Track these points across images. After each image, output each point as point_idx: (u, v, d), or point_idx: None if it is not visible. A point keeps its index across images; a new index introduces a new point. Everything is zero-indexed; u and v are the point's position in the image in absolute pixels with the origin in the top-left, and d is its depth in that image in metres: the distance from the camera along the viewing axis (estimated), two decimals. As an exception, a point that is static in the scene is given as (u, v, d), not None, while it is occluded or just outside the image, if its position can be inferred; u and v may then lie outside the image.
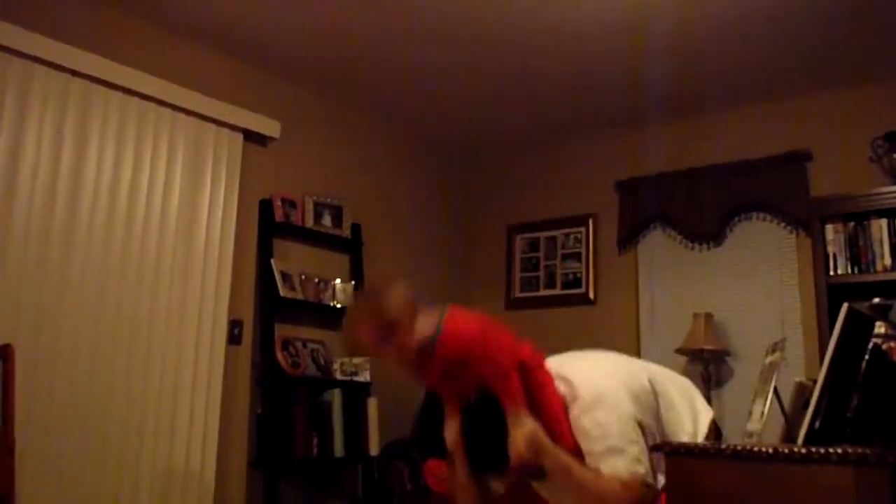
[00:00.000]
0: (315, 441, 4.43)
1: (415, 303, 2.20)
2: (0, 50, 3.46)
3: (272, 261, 4.47)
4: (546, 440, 2.08)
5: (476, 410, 2.18)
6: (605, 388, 2.22)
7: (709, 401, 4.56)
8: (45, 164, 3.58)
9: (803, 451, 2.02)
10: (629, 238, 5.27)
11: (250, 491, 4.28)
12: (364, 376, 4.64)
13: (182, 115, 4.12)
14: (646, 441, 2.17)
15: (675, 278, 5.11)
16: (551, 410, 2.16)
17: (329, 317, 4.79)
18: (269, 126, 4.54)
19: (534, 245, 5.74)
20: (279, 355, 4.36)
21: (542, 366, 2.26)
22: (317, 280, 4.68)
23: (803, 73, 4.48)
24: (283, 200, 4.62)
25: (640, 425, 2.18)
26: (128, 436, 3.72)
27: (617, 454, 2.11)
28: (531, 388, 2.15)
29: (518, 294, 5.69)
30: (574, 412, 2.18)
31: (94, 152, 3.76)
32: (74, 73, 3.70)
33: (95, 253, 3.71)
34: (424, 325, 2.18)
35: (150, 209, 3.94)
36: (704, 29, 4.00)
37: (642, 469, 2.10)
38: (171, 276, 3.97)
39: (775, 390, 2.51)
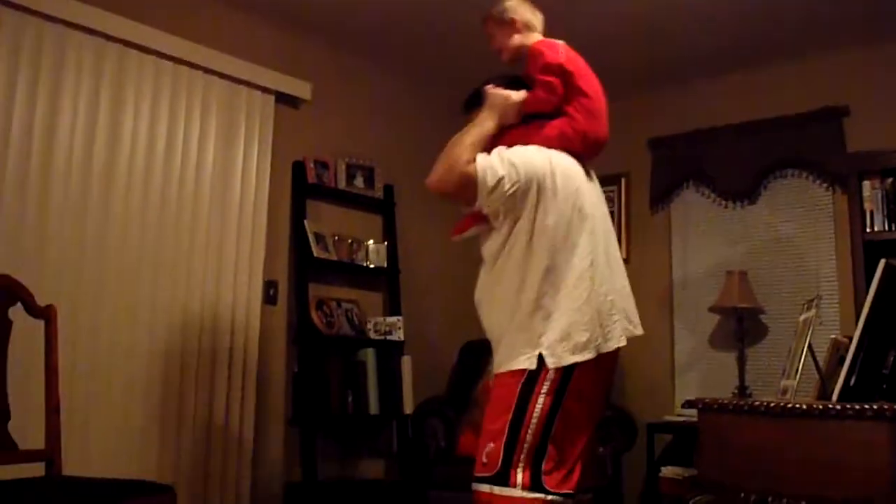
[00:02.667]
0: (350, 399, 4.50)
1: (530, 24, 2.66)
2: (35, 16, 3.50)
3: (305, 222, 4.51)
4: (502, 111, 2.41)
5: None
6: (558, 160, 2.36)
7: (743, 358, 4.59)
8: (81, 129, 3.63)
9: (838, 407, 2.03)
10: (662, 197, 5.23)
11: (288, 447, 4.37)
12: (398, 335, 4.69)
13: (215, 78, 4.14)
14: (521, 193, 2.25)
15: (708, 237, 5.07)
16: (552, 129, 2.42)
17: (363, 277, 4.84)
18: (300, 88, 4.55)
19: (566, 204, 5.71)
20: (314, 315, 4.42)
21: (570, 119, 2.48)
22: (350, 241, 4.71)
23: (840, 28, 4.38)
24: (316, 162, 4.64)
25: (539, 184, 2.26)
26: (169, 396, 3.81)
27: (495, 154, 2.28)
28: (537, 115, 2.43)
29: (550, 253, 5.68)
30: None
31: (130, 116, 3.80)
32: (108, 37, 3.73)
33: (133, 215, 3.77)
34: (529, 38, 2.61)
35: (184, 172, 3.98)
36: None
37: (488, 176, 2.23)
38: (206, 237, 4.03)
39: (810, 347, 2.51)
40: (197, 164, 4.04)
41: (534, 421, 2.13)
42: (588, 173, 2.46)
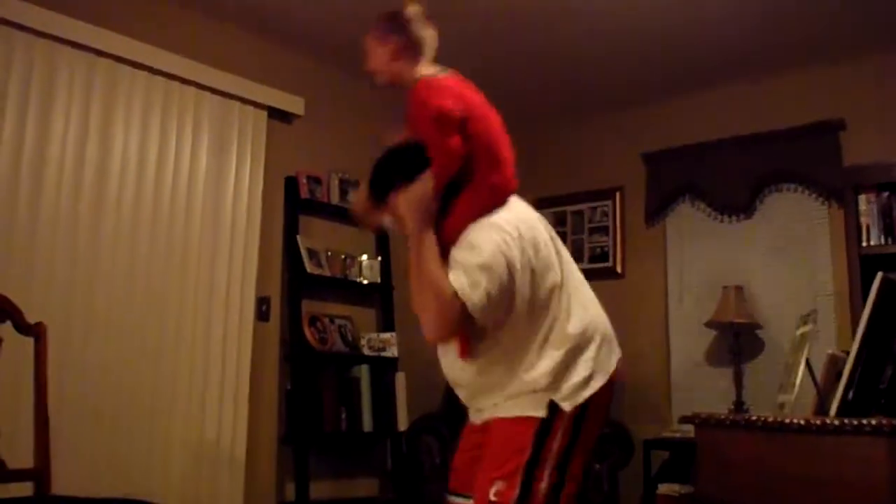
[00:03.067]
0: (344, 416, 4.47)
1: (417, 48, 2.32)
2: (26, 31, 3.49)
3: (298, 238, 4.49)
4: (426, 213, 2.06)
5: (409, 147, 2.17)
6: (512, 220, 2.11)
7: (739, 374, 4.56)
8: (72, 143, 3.61)
9: (836, 422, 2.00)
10: (657, 211, 5.22)
11: (280, 465, 4.33)
12: (392, 352, 4.66)
13: (207, 94, 4.13)
14: (507, 284, 2.01)
15: (704, 251, 5.06)
16: (464, 210, 2.10)
17: (356, 293, 4.81)
18: (293, 103, 4.54)
19: (561, 219, 5.70)
20: (307, 331, 4.39)
21: (495, 176, 2.18)
22: (343, 256, 4.69)
23: (835, 41, 4.39)
24: (309, 177, 4.62)
25: (515, 267, 2.02)
26: (159, 412, 3.77)
27: (469, 269, 1.99)
28: (468, 173, 2.12)
29: (545, 269, 5.66)
30: (477, 222, 2.09)
31: (121, 132, 3.78)
32: (99, 53, 3.72)
33: (124, 231, 3.74)
34: (428, 69, 2.28)
35: (176, 187, 3.96)
36: (733, -4, 3.94)
37: (476, 297, 1.96)
38: (198, 253, 4.00)
39: (807, 362, 2.48)
40: (189, 179, 4.02)
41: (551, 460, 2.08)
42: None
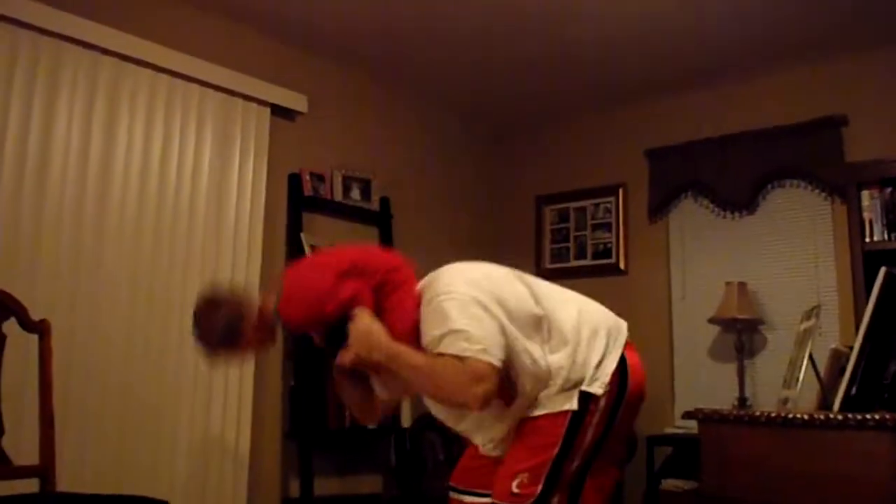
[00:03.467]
0: (347, 413, 4.47)
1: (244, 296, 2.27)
2: (30, 29, 3.49)
3: (302, 235, 4.49)
4: (379, 335, 2.04)
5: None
6: (451, 280, 2.12)
7: (742, 370, 4.56)
8: (76, 142, 3.62)
9: (839, 417, 2.01)
10: (660, 207, 5.22)
11: (284, 462, 4.34)
12: (395, 348, 4.65)
13: (210, 91, 4.13)
14: (502, 323, 2.04)
15: (707, 247, 5.05)
16: (400, 310, 2.11)
17: (359, 290, 4.80)
18: (296, 100, 4.55)
19: (563, 215, 5.70)
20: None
21: (395, 271, 2.18)
22: (347, 253, 4.68)
23: (838, 37, 4.38)
24: (312, 174, 4.63)
25: (485, 306, 2.03)
26: (163, 409, 3.77)
27: (452, 335, 1.98)
28: (381, 293, 2.13)
29: (548, 265, 5.67)
30: (422, 307, 2.10)
31: (125, 129, 3.79)
32: (104, 51, 3.72)
33: (127, 229, 3.75)
34: (268, 301, 2.22)
35: (180, 184, 3.97)
36: (736, -8, 3.93)
37: (480, 347, 1.96)
38: (202, 250, 4.01)
39: (811, 357, 2.49)
40: (192, 176, 4.02)
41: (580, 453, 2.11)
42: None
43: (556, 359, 2.13)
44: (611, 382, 2.14)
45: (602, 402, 2.11)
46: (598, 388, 2.11)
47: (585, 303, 2.34)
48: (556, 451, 2.06)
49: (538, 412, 2.13)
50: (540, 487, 2.03)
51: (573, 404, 2.09)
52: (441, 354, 1.99)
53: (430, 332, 2.04)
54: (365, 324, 2.05)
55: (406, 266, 2.22)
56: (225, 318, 2.20)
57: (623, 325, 2.32)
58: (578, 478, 2.10)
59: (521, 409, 2.14)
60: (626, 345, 2.27)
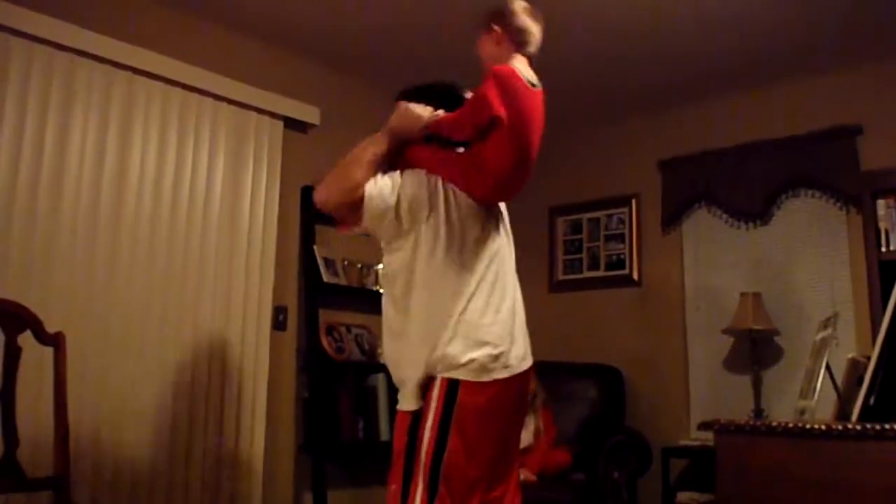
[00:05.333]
0: (361, 425, 4.47)
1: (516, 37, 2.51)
2: (45, 44, 3.52)
3: (315, 247, 4.50)
4: (405, 128, 2.38)
5: None
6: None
7: (758, 381, 4.53)
8: (90, 155, 3.64)
9: (858, 427, 1.98)
10: (673, 218, 5.20)
11: (298, 474, 4.33)
12: (408, 360, 4.65)
13: (223, 104, 4.16)
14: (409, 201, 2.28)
15: (721, 258, 5.03)
16: (437, 157, 2.37)
17: (373, 301, 4.79)
18: (309, 113, 4.56)
19: (576, 227, 5.69)
20: (324, 341, 4.39)
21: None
22: (360, 266, 4.69)
23: (852, 46, 4.36)
24: (325, 187, 4.63)
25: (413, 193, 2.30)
26: (178, 422, 3.78)
27: (387, 185, 2.30)
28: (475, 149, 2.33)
29: (561, 276, 5.65)
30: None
31: (139, 143, 3.81)
32: (117, 65, 3.75)
33: (142, 242, 3.76)
34: (520, 63, 2.48)
35: (193, 198, 3.98)
36: (747, 3, 3.92)
37: (371, 189, 2.28)
38: (215, 263, 4.02)
39: (827, 367, 2.46)
40: (206, 189, 4.04)
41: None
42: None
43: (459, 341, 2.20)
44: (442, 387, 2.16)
45: (433, 407, 2.14)
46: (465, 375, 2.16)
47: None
48: (403, 455, 2.19)
49: (400, 406, 2.30)
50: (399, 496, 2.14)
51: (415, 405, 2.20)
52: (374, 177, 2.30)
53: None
54: (419, 117, 2.37)
55: (481, 190, 2.35)
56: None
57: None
58: (432, 473, 2.11)
59: (415, 340, 2.26)
60: None
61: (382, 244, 2.33)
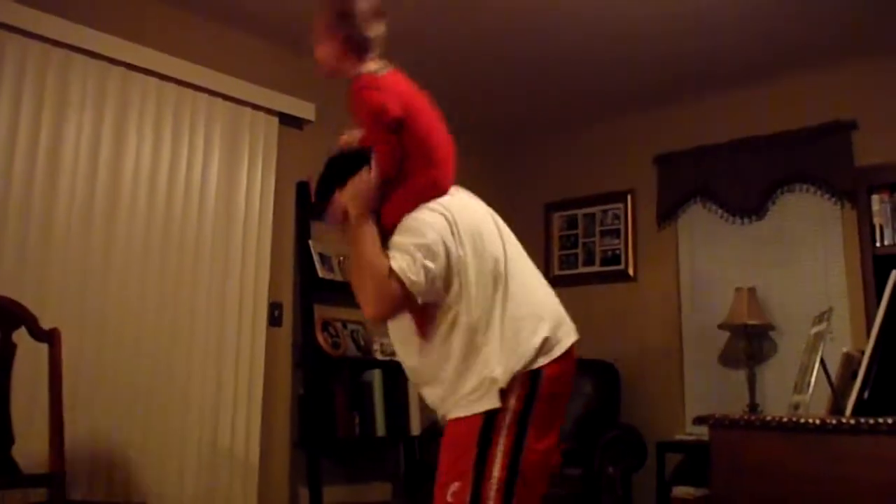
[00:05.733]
0: (357, 421, 4.47)
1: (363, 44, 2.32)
2: (38, 40, 3.51)
3: (310, 243, 4.49)
4: (366, 200, 2.13)
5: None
6: (444, 205, 2.18)
7: (753, 376, 4.54)
8: (85, 151, 3.63)
9: (852, 421, 1.99)
10: (669, 213, 5.21)
11: (294, 470, 4.33)
12: (404, 356, 4.65)
13: (218, 100, 4.15)
14: (446, 265, 2.08)
15: (716, 253, 5.04)
16: (398, 203, 2.17)
17: (368, 298, 4.80)
18: (304, 109, 4.56)
19: (572, 222, 5.70)
20: (319, 336, 4.39)
21: (431, 168, 2.24)
22: (355, 261, 4.68)
23: (846, 42, 4.37)
24: (320, 183, 4.63)
25: (447, 247, 2.09)
26: (173, 418, 3.77)
27: (403, 251, 2.05)
28: (402, 174, 2.19)
29: (557, 272, 5.66)
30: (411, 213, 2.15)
31: (133, 139, 3.80)
32: (112, 60, 3.74)
33: (138, 238, 3.76)
34: (372, 65, 2.30)
35: (188, 194, 3.98)
36: (743, 0, 3.93)
37: (413, 275, 2.02)
38: (211, 259, 4.01)
39: (822, 361, 2.47)
40: (201, 185, 4.03)
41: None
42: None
43: (493, 348, 2.10)
44: (519, 380, 2.09)
45: (513, 402, 2.09)
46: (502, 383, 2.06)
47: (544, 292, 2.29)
48: (474, 456, 2.06)
49: (456, 414, 2.13)
50: (469, 494, 2.03)
51: (487, 404, 2.08)
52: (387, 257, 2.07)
53: (397, 232, 2.11)
54: (365, 183, 2.13)
55: (442, 180, 2.26)
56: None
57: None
58: (510, 477, 2.09)
59: (439, 366, 2.14)
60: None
61: (420, 300, 2.11)
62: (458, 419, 2.13)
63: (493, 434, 2.09)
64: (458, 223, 2.14)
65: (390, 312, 2.15)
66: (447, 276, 2.09)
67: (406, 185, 2.19)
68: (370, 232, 2.12)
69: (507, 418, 2.08)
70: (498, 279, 2.14)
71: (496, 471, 2.07)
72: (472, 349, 2.11)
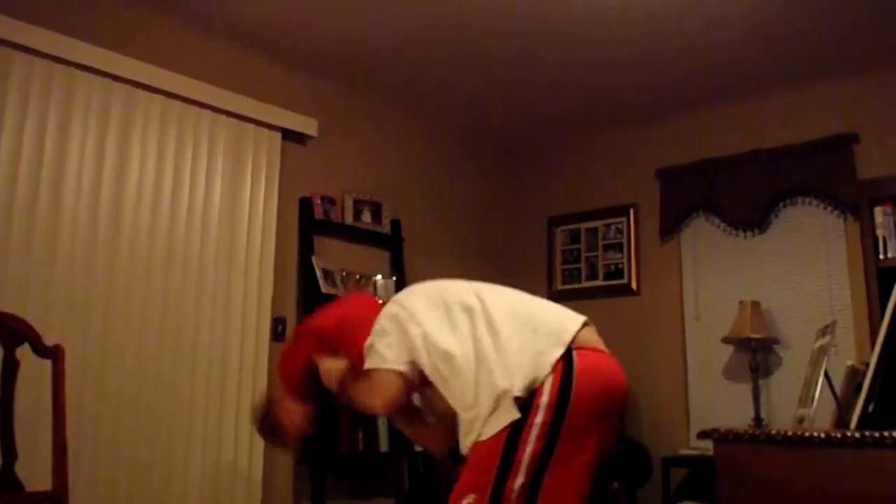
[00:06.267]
0: (360, 436, 4.45)
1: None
2: (43, 57, 3.53)
3: (313, 258, 4.50)
4: (334, 371, 2.47)
5: None
6: (396, 298, 2.46)
7: (757, 390, 4.52)
8: (89, 168, 3.65)
9: (857, 435, 1.98)
10: (671, 227, 5.21)
11: (297, 486, 4.32)
12: (407, 371, 4.64)
13: (221, 116, 4.17)
14: (399, 329, 2.30)
15: (719, 266, 5.03)
16: (350, 345, 2.46)
17: (371, 313, 4.80)
18: (306, 124, 4.57)
19: (575, 236, 5.70)
20: (323, 352, 4.38)
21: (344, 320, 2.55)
22: (358, 276, 4.70)
23: (848, 55, 4.38)
24: (323, 198, 4.64)
25: (394, 317, 2.33)
26: (176, 434, 3.77)
27: (369, 352, 2.32)
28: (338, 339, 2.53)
29: (560, 286, 5.65)
30: None
31: (137, 155, 3.82)
32: (116, 78, 3.76)
33: (141, 254, 3.77)
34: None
35: (192, 210, 3.99)
36: (744, 12, 3.94)
37: (387, 362, 2.26)
38: (214, 275, 4.02)
39: (826, 374, 2.46)
40: (204, 201, 4.05)
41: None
42: None
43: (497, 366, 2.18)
44: (549, 391, 2.10)
45: (540, 415, 2.08)
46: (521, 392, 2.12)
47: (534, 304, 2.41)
48: (495, 470, 2.08)
49: (483, 437, 2.16)
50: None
51: (508, 418, 2.10)
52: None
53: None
54: (322, 366, 2.50)
55: (357, 313, 2.54)
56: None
57: (568, 325, 2.28)
58: (530, 494, 2.08)
59: (459, 398, 2.25)
60: (580, 346, 2.23)
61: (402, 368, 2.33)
62: (483, 440, 2.17)
63: (516, 447, 2.08)
64: (405, 296, 2.41)
65: (395, 400, 2.31)
66: (407, 332, 2.28)
67: (350, 354, 2.47)
68: (349, 376, 2.43)
69: (534, 432, 2.08)
70: (473, 316, 2.27)
71: (516, 485, 2.06)
72: (479, 373, 2.20)
